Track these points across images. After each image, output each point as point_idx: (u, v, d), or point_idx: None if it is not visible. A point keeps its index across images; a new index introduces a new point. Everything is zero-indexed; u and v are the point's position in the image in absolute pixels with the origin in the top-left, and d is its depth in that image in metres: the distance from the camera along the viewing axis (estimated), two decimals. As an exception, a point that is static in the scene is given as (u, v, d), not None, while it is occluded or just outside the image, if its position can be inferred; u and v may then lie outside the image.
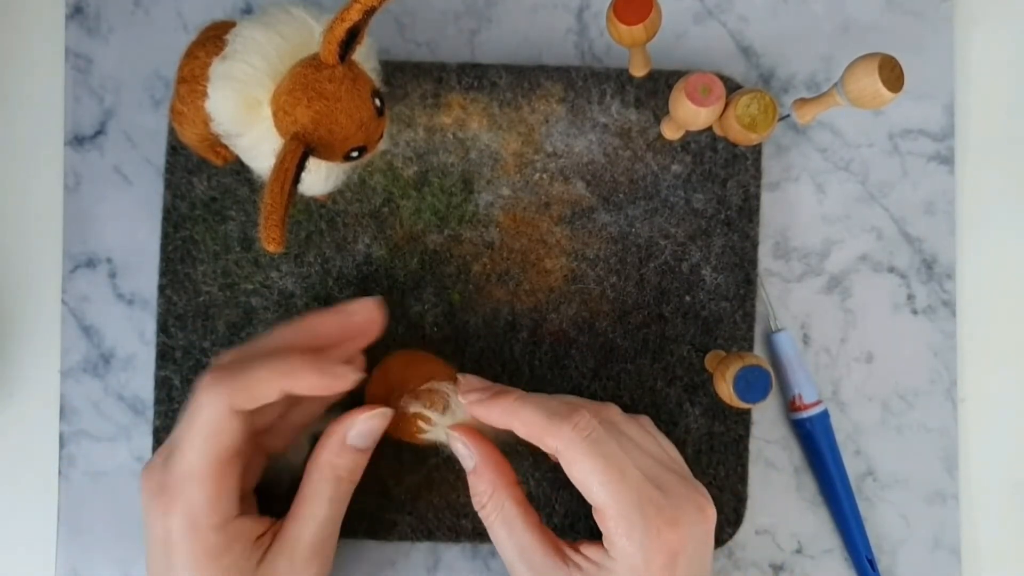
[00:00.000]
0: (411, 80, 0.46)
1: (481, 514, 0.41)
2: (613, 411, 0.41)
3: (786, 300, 0.47)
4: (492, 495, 0.40)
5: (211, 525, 0.38)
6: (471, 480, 0.41)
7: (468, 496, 0.45)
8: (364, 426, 0.41)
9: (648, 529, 0.37)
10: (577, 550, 0.40)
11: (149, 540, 0.39)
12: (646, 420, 0.43)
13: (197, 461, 0.38)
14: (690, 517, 0.38)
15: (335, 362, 0.39)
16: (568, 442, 0.38)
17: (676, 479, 0.39)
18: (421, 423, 0.42)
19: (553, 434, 0.38)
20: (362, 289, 0.45)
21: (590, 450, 0.38)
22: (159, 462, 0.39)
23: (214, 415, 0.38)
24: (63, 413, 0.47)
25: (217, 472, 0.38)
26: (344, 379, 0.39)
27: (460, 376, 0.42)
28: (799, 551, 0.47)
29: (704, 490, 0.40)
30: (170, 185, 0.46)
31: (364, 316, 0.42)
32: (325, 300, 0.45)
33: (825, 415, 0.46)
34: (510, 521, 0.40)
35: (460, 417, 0.42)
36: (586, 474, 0.38)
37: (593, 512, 0.38)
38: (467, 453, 0.41)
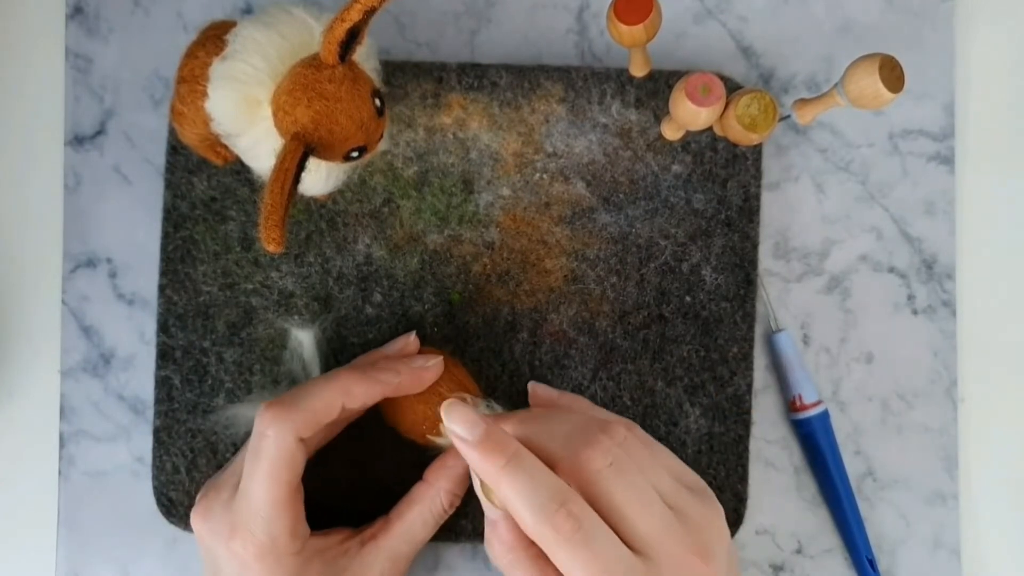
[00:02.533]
0: (411, 80, 0.46)
1: (495, 564, 0.39)
2: (618, 476, 0.36)
3: (786, 300, 0.47)
4: (508, 556, 0.38)
5: (291, 552, 0.39)
6: (488, 529, 0.39)
7: (468, 496, 0.45)
8: None
9: None
10: None
11: (222, 571, 0.39)
12: (635, 432, 0.39)
13: (268, 497, 0.38)
14: (714, 538, 0.36)
15: (380, 369, 0.41)
16: (549, 542, 0.34)
17: (672, 537, 0.36)
18: (442, 426, 0.42)
19: (533, 531, 0.34)
20: (362, 289, 0.45)
21: (572, 553, 0.34)
22: (219, 501, 0.39)
23: (283, 448, 0.38)
24: (63, 413, 0.47)
25: (289, 502, 0.39)
26: (390, 384, 0.40)
27: (447, 403, 0.37)
28: (799, 551, 0.47)
29: (712, 512, 0.37)
30: (170, 185, 0.46)
31: (435, 374, 0.42)
32: (325, 300, 0.45)
33: (825, 415, 0.46)
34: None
35: None
36: (569, 574, 0.34)
37: None
38: (490, 506, 0.38)
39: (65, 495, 0.46)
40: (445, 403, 0.36)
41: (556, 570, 0.37)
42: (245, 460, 0.39)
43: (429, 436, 0.43)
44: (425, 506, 0.42)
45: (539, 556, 0.37)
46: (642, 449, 0.38)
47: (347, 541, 0.42)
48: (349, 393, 0.40)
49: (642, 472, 0.36)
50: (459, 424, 0.35)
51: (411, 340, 0.44)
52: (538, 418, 0.38)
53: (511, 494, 0.34)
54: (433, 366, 0.42)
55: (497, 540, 0.38)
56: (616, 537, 0.35)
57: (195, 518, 0.40)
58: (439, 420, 0.42)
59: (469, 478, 0.43)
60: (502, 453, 0.35)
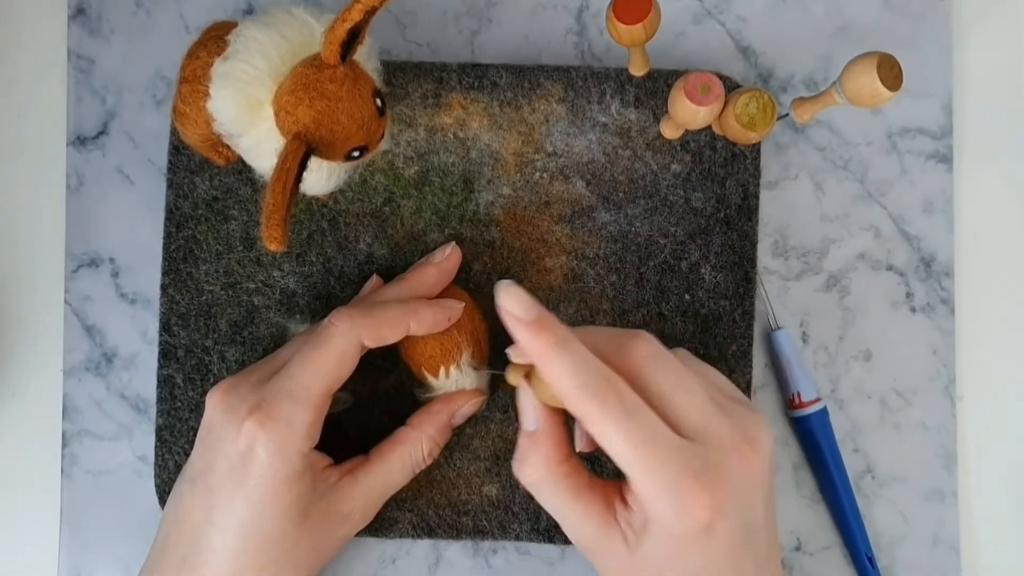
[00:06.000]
0: (412, 80, 0.46)
1: (524, 482, 0.39)
2: (663, 363, 0.38)
3: (785, 298, 0.48)
4: (543, 471, 0.38)
5: (298, 450, 0.39)
6: (525, 442, 0.39)
7: (469, 494, 0.45)
8: (472, 409, 0.44)
9: (681, 499, 0.35)
10: (626, 504, 0.38)
11: (219, 449, 0.39)
12: (684, 353, 0.41)
13: (312, 386, 0.39)
14: (738, 471, 0.36)
15: (442, 299, 0.43)
16: (593, 417, 0.35)
17: (720, 424, 0.37)
18: (442, 370, 0.43)
19: (578, 406, 0.36)
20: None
21: (615, 427, 0.35)
22: (247, 382, 0.40)
23: (345, 347, 0.39)
24: (66, 412, 0.47)
25: (324, 401, 0.40)
26: (456, 311, 0.43)
27: (501, 283, 0.36)
28: (798, 548, 0.47)
29: (756, 417, 0.38)
30: (172, 185, 0.46)
31: (455, 263, 0.44)
32: (327, 299, 0.46)
33: (824, 413, 0.46)
34: (559, 494, 0.38)
35: (465, 384, 0.43)
36: (612, 449, 0.36)
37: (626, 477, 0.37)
38: (532, 416, 0.39)
39: (68, 494, 0.46)
40: (500, 283, 0.36)
41: (589, 489, 0.38)
42: (302, 346, 0.40)
43: (426, 372, 0.43)
44: (406, 449, 0.43)
45: (572, 474, 0.38)
46: (679, 356, 0.39)
47: (328, 469, 0.42)
48: (417, 315, 0.41)
49: (686, 368, 0.38)
50: (515, 303, 0.36)
51: (458, 257, 0.45)
52: (581, 326, 0.39)
53: (559, 371, 0.35)
54: (451, 254, 0.44)
55: (534, 454, 0.38)
56: (660, 420, 0.36)
57: (216, 392, 0.40)
58: (441, 362, 0.43)
59: (451, 428, 0.44)
60: (554, 333, 0.36)
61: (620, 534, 0.37)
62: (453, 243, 0.45)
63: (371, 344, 0.40)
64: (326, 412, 0.40)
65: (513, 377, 0.39)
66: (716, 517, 0.36)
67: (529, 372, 0.39)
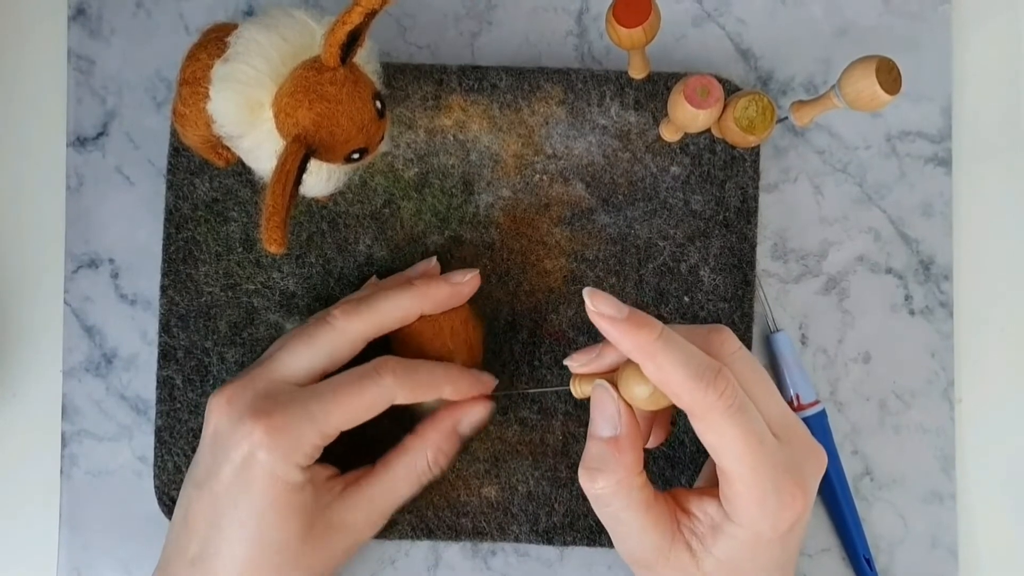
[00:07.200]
0: (412, 82, 0.46)
1: (595, 492, 0.37)
2: (749, 361, 0.37)
3: (784, 301, 0.48)
4: (621, 480, 0.36)
5: (299, 465, 0.39)
6: (602, 449, 0.37)
7: (468, 495, 0.45)
8: (476, 416, 0.43)
9: (782, 498, 0.35)
10: (688, 513, 0.38)
11: (224, 454, 0.39)
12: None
13: (336, 424, 0.39)
14: (814, 472, 0.37)
15: (481, 371, 0.43)
16: (710, 409, 0.35)
17: (797, 425, 0.37)
18: None
19: (694, 398, 0.35)
20: (363, 290, 0.46)
21: (732, 420, 0.35)
22: (252, 389, 0.40)
23: (378, 402, 0.39)
24: (65, 413, 0.47)
25: (335, 435, 0.40)
26: (487, 386, 0.43)
27: (587, 289, 0.36)
28: (797, 550, 0.47)
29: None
30: (172, 186, 0.46)
31: (471, 290, 0.43)
32: (326, 301, 0.46)
33: (823, 415, 0.46)
34: (631, 507, 0.37)
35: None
36: (725, 443, 0.35)
37: (717, 471, 0.36)
38: (616, 420, 0.37)
39: (67, 494, 0.46)
40: (586, 289, 0.35)
41: (656, 500, 0.37)
42: (346, 375, 0.40)
43: None
44: (411, 457, 0.42)
45: (645, 485, 0.37)
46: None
47: (332, 480, 0.41)
48: (455, 387, 0.41)
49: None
50: (606, 304, 0.35)
51: (433, 264, 0.45)
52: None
53: (668, 363, 0.35)
54: (470, 280, 0.43)
55: (615, 461, 0.36)
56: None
57: (219, 398, 0.40)
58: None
59: (458, 435, 0.43)
60: (654, 327, 0.35)
61: (684, 543, 0.37)
62: (476, 271, 0.43)
63: (404, 403, 0.40)
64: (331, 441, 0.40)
65: (579, 389, 0.38)
66: (800, 517, 0.36)
67: (608, 377, 0.38)
